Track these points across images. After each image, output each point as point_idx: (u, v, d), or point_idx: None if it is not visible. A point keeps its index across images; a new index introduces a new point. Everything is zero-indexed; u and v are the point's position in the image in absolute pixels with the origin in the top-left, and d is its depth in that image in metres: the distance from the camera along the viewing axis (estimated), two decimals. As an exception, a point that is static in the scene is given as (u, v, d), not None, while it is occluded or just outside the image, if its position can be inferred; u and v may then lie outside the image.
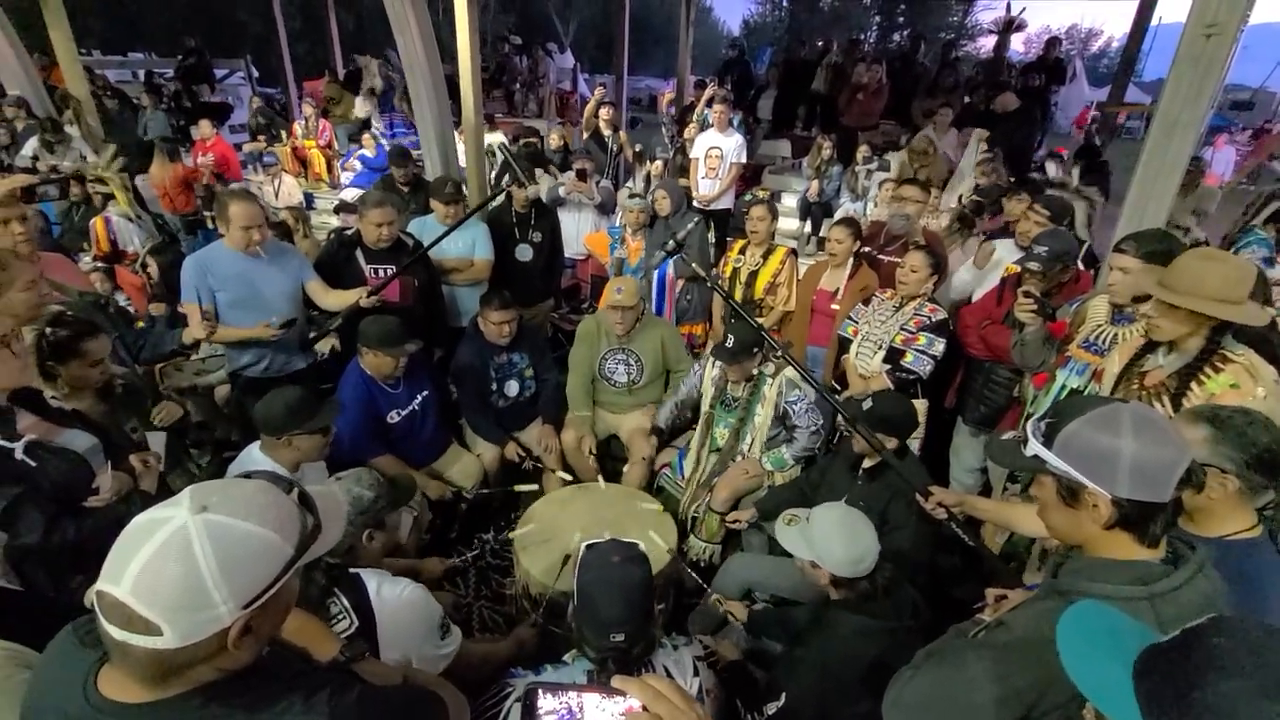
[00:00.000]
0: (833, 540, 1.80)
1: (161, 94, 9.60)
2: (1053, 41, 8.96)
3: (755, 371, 2.91)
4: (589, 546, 1.60)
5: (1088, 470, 1.07)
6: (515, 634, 2.26)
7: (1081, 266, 3.09)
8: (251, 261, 2.89)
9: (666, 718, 0.75)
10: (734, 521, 2.83)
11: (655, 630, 1.60)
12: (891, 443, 2.33)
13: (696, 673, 1.62)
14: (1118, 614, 0.86)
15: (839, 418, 2.68)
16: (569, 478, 3.08)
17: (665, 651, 1.63)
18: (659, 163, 6.27)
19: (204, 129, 6.85)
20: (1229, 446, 1.42)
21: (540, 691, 0.85)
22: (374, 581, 1.68)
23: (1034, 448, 1.15)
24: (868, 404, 2.37)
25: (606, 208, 5.38)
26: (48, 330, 2.03)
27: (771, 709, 1.75)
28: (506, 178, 3.90)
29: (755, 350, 2.83)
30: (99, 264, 4.67)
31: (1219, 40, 2.64)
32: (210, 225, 5.95)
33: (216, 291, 2.86)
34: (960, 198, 5.68)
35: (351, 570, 1.71)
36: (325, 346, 3.91)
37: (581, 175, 5.25)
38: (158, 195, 6.28)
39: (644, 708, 0.77)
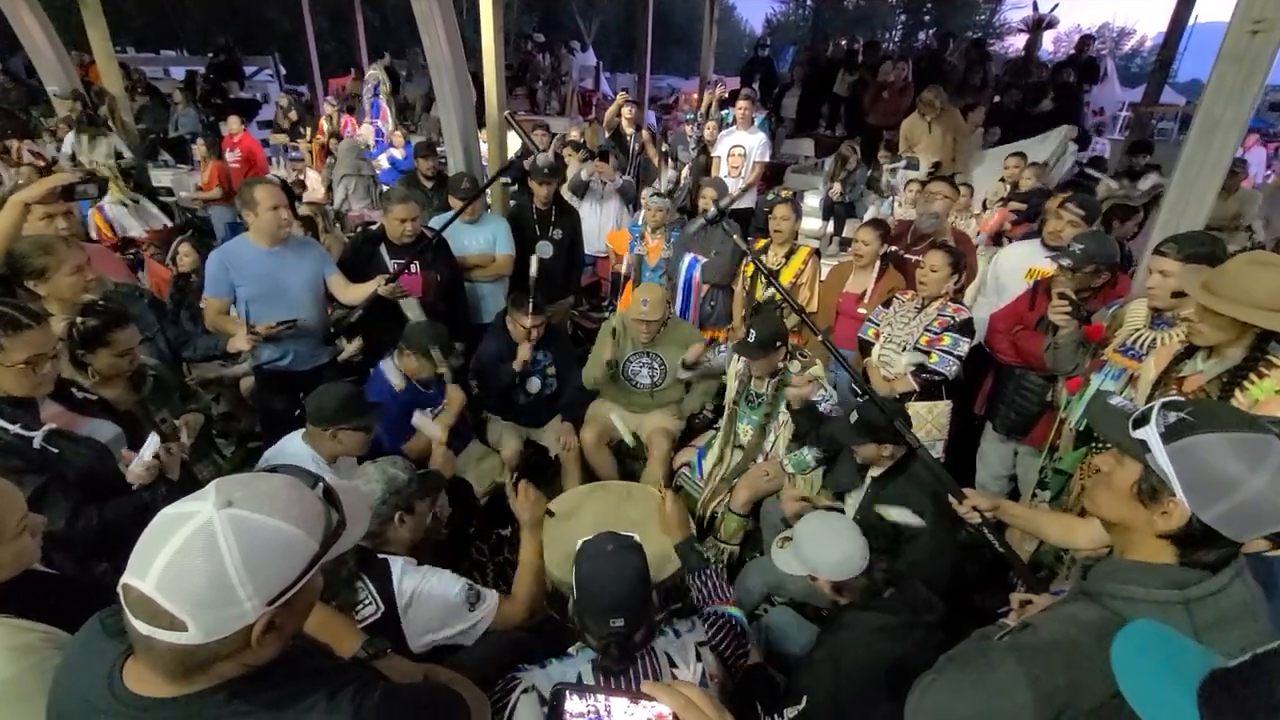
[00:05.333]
0: (817, 549, 1.83)
1: (194, 91, 9.78)
2: (1085, 40, 8.78)
3: (780, 365, 2.88)
4: (585, 541, 1.65)
5: (1191, 484, 0.97)
6: (522, 552, 2.10)
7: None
8: (274, 256, 2.90)
9: None
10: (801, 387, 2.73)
11: (656, 618, 1.63)
12: (887, 450, 2.28)
13: (699, 658, 1.65)
14: (1176, 635, 0.81)
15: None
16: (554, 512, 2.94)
17: (667, 639, 1.65)
18: (685, 167, 6.25)
19: (233, 124, 6.97)
20: None
21: (568, 693, 0.84)
22: (399, 569, 1.70)
23: (1148, 434, 1.02)
24: (854, 417, 2.30)
25: (628, 194, 5.39)
26: (78, 320, 2.06)
27: (792, 713, 1.73)
28: (518, 149, 3.85)
29: (778, 344, 2.81)
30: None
31: (1266, 37, 2.54)
32: (239, 219, 6.05)
33: (237, 287, 2.88)
34: (984, 201, 5.58)
35: (380, 555, 1.74)
36: (354, 347, 3.95)
37: (604, 156, 5.27)
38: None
39: (674, 716, 0.75)
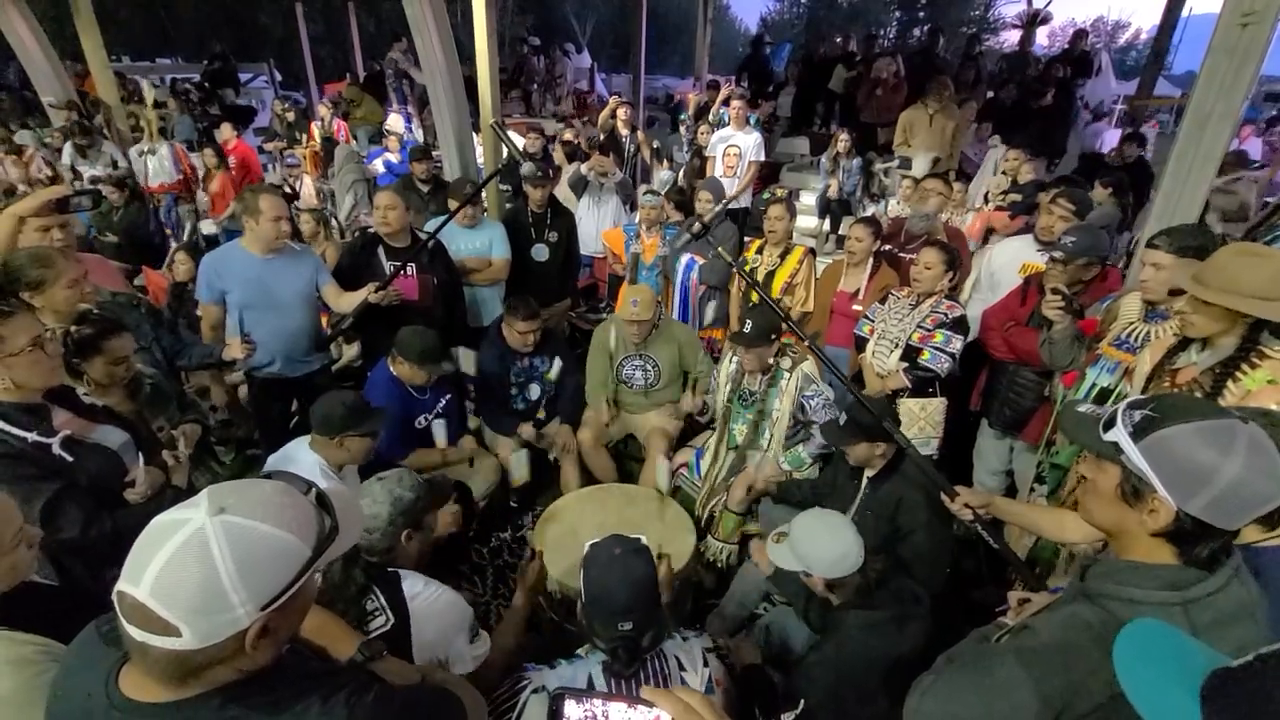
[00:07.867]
0: (814, 545, 1.84)
1: (189, 99, 9.78)
2: (1080, 34, 8.77)
3: (771, 362, 2.88)
4: (592, 544, 1.65)
5: (1169, 479, 0.97)
6: (514, 602, 2.11)
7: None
8: (265, 263, 2.90)
9: None
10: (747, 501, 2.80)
11: (664, 620, 1.63)
12: (880, 449, 2.29)
13: (706, 663, 1.64)
14: (1178, 633, 0.81)
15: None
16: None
17: (675, 643, 1.65)
18: (681, 170, 6.25)
19: (225, 131, 6.98)
20: None
21: (566, 698, 0.85)
22: (410, 581, 1.70)
23: (1118, 435, 1.03)
24: (842, 419, 2.33)
25: (626, 191, 5.41)
26: (73, 328, 2.06)
27: (789, 718, 1.73)
28: (505, 153, 3.87)
29: (773, 337, 2.81)
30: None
31: (1256, 29, 2.55)
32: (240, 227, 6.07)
33: (227, 293, 2.88)
34: (986, 194, 5.59)
35: (390, 569, 1.73)
36: (352, 352, 3.94)
37: (603, 150, 5.27)
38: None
39: None
